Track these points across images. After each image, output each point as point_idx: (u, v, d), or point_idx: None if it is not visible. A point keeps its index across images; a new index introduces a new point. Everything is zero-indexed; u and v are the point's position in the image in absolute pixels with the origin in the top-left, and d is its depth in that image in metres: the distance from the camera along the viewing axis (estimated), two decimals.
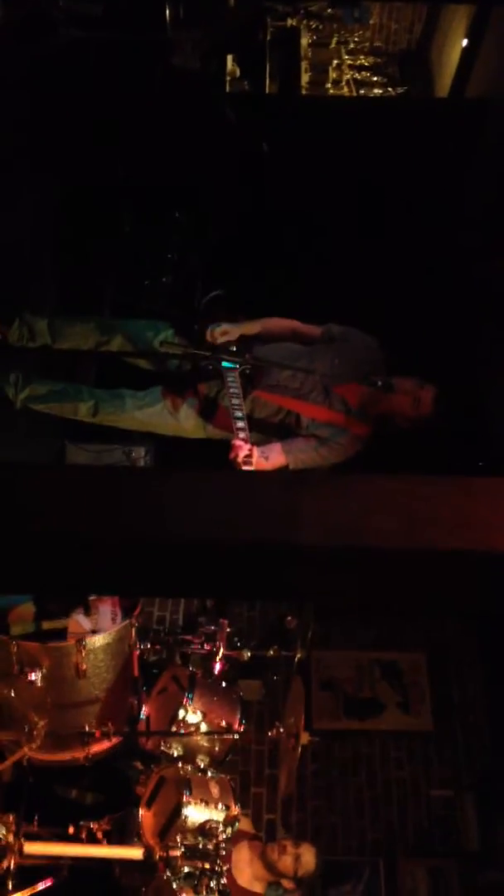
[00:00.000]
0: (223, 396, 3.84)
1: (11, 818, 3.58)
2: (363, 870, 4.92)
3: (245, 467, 3.46)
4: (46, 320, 4.18)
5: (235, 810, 3.84)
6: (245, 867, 4.10)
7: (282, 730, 4.08)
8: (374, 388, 3.75)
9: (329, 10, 7.85)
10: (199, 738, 4.06)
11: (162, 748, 4.00)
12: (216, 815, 3.75)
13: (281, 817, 5.08)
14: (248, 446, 3.52)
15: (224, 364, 3.77)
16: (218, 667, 4.34)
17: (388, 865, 4.93)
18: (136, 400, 4.07)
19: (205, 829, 3.69)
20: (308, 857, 4.06)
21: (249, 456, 3.50)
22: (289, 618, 4.82)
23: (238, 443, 3.53)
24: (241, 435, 3.55)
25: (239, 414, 3.61)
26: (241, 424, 3.58)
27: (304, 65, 7.65)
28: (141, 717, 4.14)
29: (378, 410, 3.82)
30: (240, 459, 3.48)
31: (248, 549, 2.05)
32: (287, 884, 4.10)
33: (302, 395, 3.85)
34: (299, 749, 3.96)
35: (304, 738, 3.99)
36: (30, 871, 3.67)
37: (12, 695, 3.66)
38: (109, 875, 3.94)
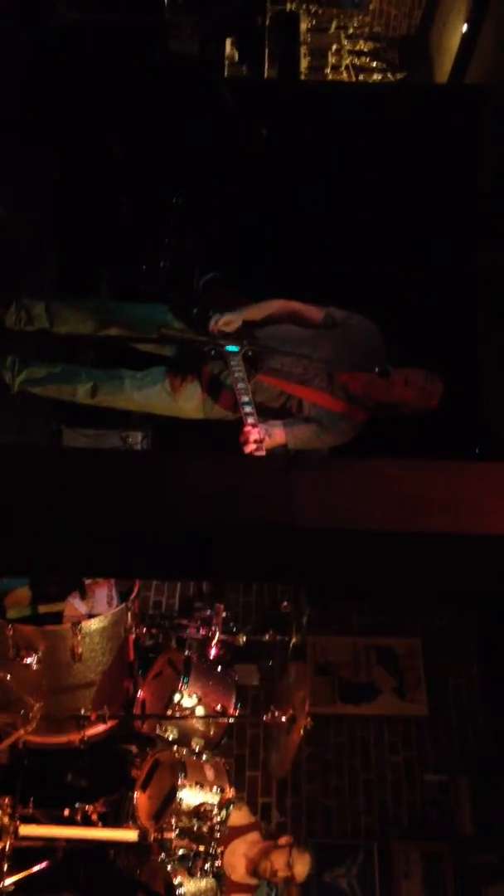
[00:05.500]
0: (226, 377, 3.82)
1: (7, 801, 3.61)
2: (357, 853, 4.94)
3: (257, 453, 3.37)
4: (44, 303, 4.15)
5: (230, 793, 3.86)
6: (241, 859, 4.15)
7: (277, 713, 4.08)
8: (375, 375, 3.72)
9: None
10: (194, 721, 4.07)
11: (157, 731, 4.02)
12: (211, 797, 3.78)
13: (276, 801, 5.11)
14: (258, 430, 3.44)
15: (227, 348, 3.73)
16: (214, 651, 4.35)
17: (382, 849, 4.96)
18: (134, 381, 4.04)
19: (199, 812, 3.72)
20: (301, 868, 4.13)
21: (261, 441, 3.42)
22: (284, 603, 4.83)
23: (248, 428, 3.44)
24: (251, 420, 3.46)
25: (246, 399, 3.53)
26: (248, 409, 3.50)
27: (303, 50, 7.63)
28: (137, 700, 4.15)
29: (383, 399, 3.78)
30: (251, 444, 3.40)
31: (245, 532, 2.05)
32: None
33: (305, 380, 3.81)
34: (301, 732, 3.95)
35: (307, 722, 3.96)
36: (25, 854, 3.70)
37: (8, 678, 3.67)
38: (104, 857, 3.96)
